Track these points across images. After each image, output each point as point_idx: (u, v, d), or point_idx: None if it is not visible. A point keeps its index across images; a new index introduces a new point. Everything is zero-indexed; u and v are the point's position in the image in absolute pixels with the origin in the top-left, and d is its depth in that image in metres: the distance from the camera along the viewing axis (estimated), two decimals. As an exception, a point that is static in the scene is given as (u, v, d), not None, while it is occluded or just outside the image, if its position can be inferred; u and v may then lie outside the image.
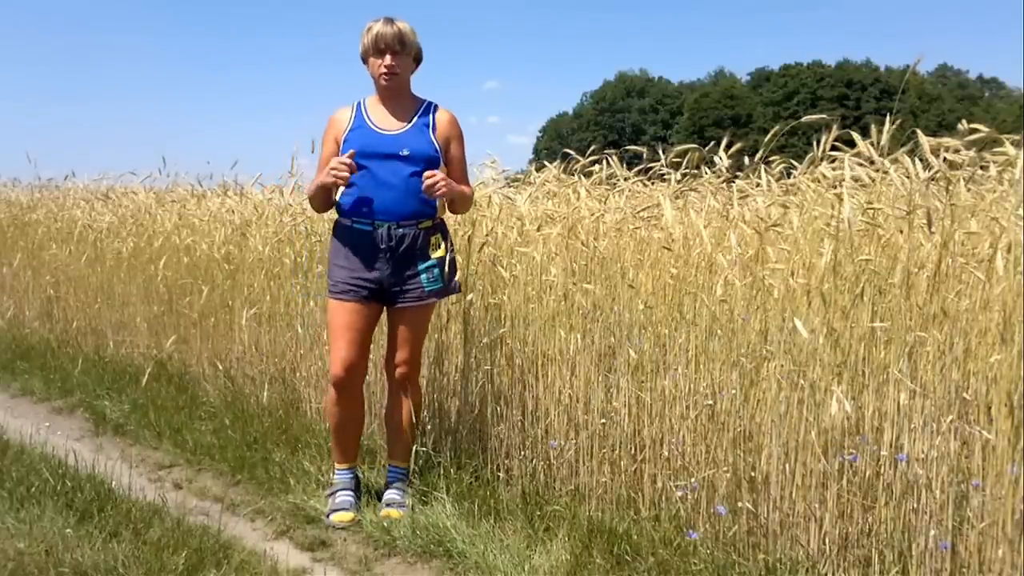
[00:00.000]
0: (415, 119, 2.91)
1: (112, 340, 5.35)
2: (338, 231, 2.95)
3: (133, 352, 5.16)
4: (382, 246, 2.84)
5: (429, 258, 2.90)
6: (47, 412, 4.47)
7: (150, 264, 5.14)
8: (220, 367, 4.44)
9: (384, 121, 2.90)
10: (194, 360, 4.70)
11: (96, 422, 4.17)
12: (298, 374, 4.02)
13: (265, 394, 4.05)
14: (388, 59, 2.84)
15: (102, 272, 5.58)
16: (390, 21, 2.85)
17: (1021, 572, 2.03)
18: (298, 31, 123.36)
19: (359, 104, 2.96)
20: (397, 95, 2.93)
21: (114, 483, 3.14)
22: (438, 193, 2.80)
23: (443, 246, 2.94)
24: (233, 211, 4.76)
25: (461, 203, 3.02)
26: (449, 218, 3.49)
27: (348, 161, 2.78)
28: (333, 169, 2.78)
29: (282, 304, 4.11)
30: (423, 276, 2.89)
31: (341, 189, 2.94)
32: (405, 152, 2.83)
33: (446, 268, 2.94)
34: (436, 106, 2.99)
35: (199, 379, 4.57)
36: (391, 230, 2.83)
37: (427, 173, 2.79)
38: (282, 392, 4.06)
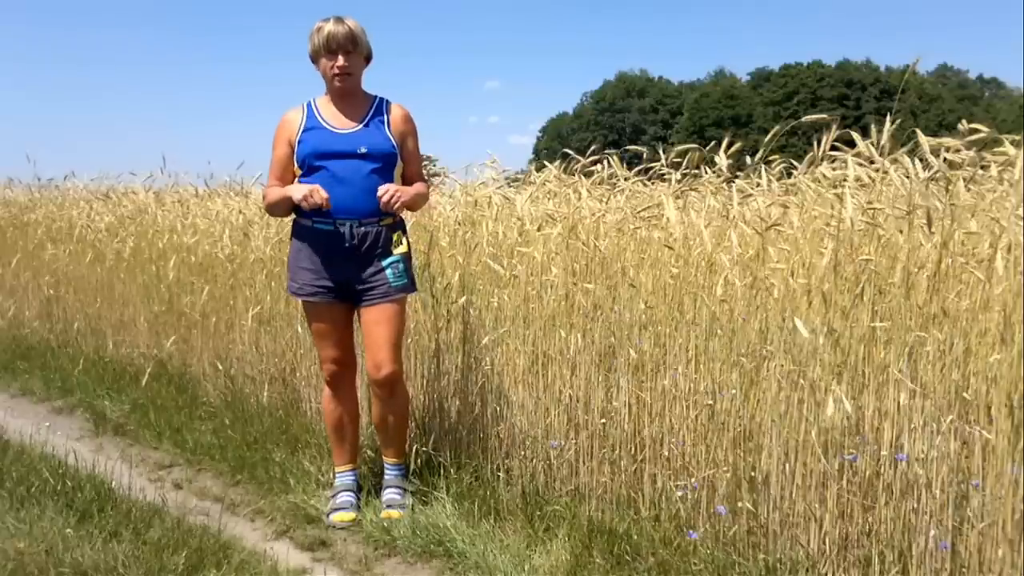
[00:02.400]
0: (370, 116, 2.89)
1: (112, 340, 5.35)
2: (298, 231, 2.92)
3: (133, 352, 5.16)
4: (345, 245, 2.82)
5: (392, 254, 2.88)
6: (47, 412, 4.48)
7: (150, 264, 5.15)
8: (220, 367, 4.44)
9: (338, 120, 2.87)
10: (194, 360, 4.70)
11: (96, 422, 4.17)
12: (298, 374, 4.02)
13: (265, 394, 4.06)
14: (341, 60, 2.81)
15: (101, 272, 5.59)
16: (340, 20, 2.81)
17: (1021, 572, 2.03)
18: (299, 29, 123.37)
19: (309, 105, 2.93)
20: (350, 94, 2.90)
21: (114, 483, 3.14)
22: (396, 207, 2.79)
23: (405, 242, 2.93)
24: (238, 212, 4.76)
25: (419, 203, 2.99)
26: (449, 219, 3.49)
27: (325, 203, 2.74)
28: (313, 196, 2.72)
29: (283, 304, 4.12)
30: (388, 271, 2.86)
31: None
32: (363, 150, 2.81)
33: (408, 264, 2.93)
34: (388, 102, 2.97)
35: (199, 379, 4.57)
36: (353, 228, 2.82)
37: (381, 188, 2.78)
38: (282, 392, 4.06)
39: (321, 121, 2.87)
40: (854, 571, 2.28)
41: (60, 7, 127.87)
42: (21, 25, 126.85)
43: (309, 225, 2.86)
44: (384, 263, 2.86)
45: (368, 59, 2.94)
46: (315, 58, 2.86)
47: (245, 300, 4.33)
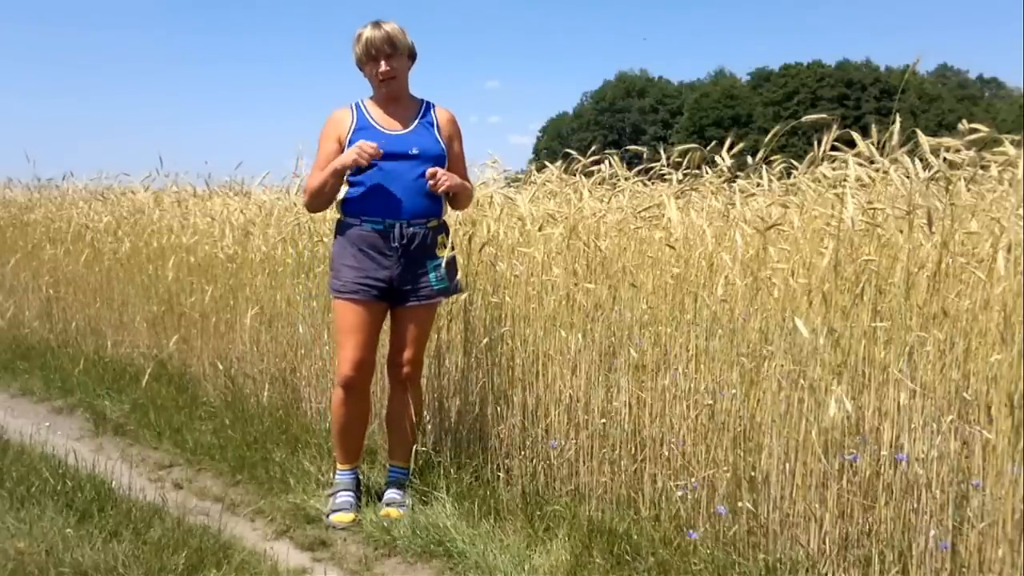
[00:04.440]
0: (419, 118, 2.94)
1: (112, 340, 5.35)
2: (344, 231, 2.93)
3: (133, 352, 5.16)
4: (394, 244, 2.85)
5: (437, 257, 2.91)
6: (47, 412, 4.48)
7: (148, 264, 5.14)
8: (220, 367, 4.44)
9: (388, 122, 2.92)
10: (194, 360, 4.70)
11: (96, 422, 4.17)
12: (298, 374, 4.02)
13: (265, 394, 4.05)
14: (383, 65, 2.84)
15: (100, 272, 5.58)
16: (378, 25, 2.84)
17: (1021, 572, 2.03)
18: (298, 28, 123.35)
19: (358, 105, 2.96)
20: (397, 97, 2.94)
21: (114, 483, 3.14)
22: (442, 188, 2.82)
23: (449, 244, 2.95)
24: (239, 212, 4.76)
25: (464, 198, 3.04)
26: (450, 218, 3.49)
27: (374, 148, 2.77)
28: (358, 150, 2.76)
29: (283, 304, 4.11)
30: (432, 275, 2.91)
31: (345, 188, 2.94)
32: (415, 151, 2.85)
33: (451, 267, 2.96)
34: (434, 105, 3.00)
35: (199, 379, 4.57)
36: (402, 228, 2.84)
37: (429, 171, 2.82)
38: (282, 392, 4.06)
39: (372, 122, 2.91)
40: (854, 571, 2.28)
41: (59, 7, 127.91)
42: (20, 25, 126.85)
43: (357, 224, 2.88)
44: (429, 266, 2.90)
45: (413, 58, 2.97)
46: (360, 65, 2.91)
47: (246, 300, 4.33)
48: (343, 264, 2.91)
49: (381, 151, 2.79)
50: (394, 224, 2.84)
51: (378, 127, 2.89)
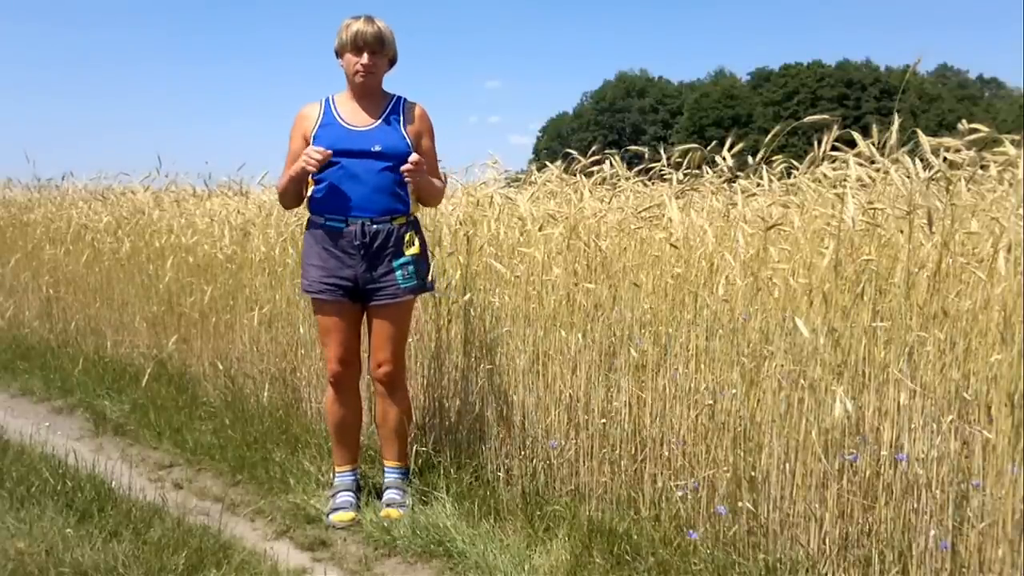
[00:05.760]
0: (386, 115, 2.91)
1: (111, 340, 5.35)
2: (311, 229, 2.94)
3: (133, 352, 5.16)
4: (356, 243, 2.83)
5: (403, 255, 2.89)
6: (47, 412, 4.48)
7: (148, 264, 5.14)
8: (220, 367, 4.44)
9: (355, 117, 2.89)
10: (194, 360, 4.70)
11: (96, 422, 4.17)
12: (298, 374, 4.02)
13: (265, 394, 4.05)
14: (366, 58, 2.83)
15: (100, 272, 5.58)
16: (371, 20, 2.84)
17: (1021, 572, 2.03)
18: (299, 27, 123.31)
19: (327, 100, 2.95)
20: (369, 93, 2.92)
21: (114, 483, 3.14)
22: (408, 177, 2.79)
23: (417, 243, 2.93)
24: (236, 212, 4.76)
25: (431, 195, 3.00)
26: (449, 219, 3.49)
27: (321, 154, 2.77)
28: (305, 158, 2.78)
29: (283, 304, 4.11)
30: (398, 273, 2.87)
31: (311, 186, 2.94)
32: (377, 148, 2.82)
33: (421, 265, 2.93)
34: (406, 100, 2.98)
35: (199, 379, 4.57)
36: (365, 227, 2.82)
37: (414, 156, 2.80)
38: (282, 392, 4.06)
39: (337, 118, 2.89)
40: (854, 571, 2.28)
41: (59, 7, 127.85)
42: (21, 25, 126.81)
43: (321, 222, 2.87)
44: (395, 264, 2.87)
45: (392, 62, 2.96)
46: (340, 53, 2.89)
47: (246, 300, 4.33)
48: (309, 263, 2.92)
49: (330, 152, 2.78)
50: (356, 221, 2.82)
51: (343, 123, 2.87)
